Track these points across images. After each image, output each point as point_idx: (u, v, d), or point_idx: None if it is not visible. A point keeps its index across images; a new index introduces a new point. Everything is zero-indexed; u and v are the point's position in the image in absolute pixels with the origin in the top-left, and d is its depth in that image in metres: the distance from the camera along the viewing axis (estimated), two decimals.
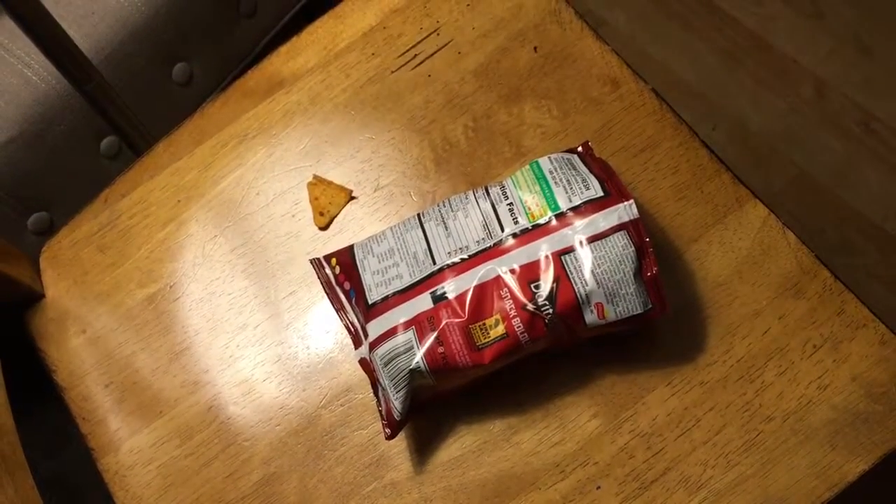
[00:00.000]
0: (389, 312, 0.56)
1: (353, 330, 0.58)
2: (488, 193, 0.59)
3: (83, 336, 0.65)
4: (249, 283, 0.64)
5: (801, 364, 0.57)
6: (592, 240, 0.54)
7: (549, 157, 0.59)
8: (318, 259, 0.61)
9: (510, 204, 0.57)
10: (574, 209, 0.56)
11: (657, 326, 0.59)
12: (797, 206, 1.08)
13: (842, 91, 1.16)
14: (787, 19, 1.22)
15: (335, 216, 0.65)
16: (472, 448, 0.58)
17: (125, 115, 0.85)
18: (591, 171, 0.58)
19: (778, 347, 0.58)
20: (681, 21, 1.24)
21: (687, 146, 0.63)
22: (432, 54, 0.68)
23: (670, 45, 1.23)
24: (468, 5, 0.68)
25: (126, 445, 0.62)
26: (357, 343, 0.58)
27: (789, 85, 1.18)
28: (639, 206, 0.55)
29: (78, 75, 0.79)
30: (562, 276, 0.54)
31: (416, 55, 0.68)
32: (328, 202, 0.65)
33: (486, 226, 0.57)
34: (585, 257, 0.54)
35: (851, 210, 1.11)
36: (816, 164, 1.13)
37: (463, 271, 0.56)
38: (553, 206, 0.56)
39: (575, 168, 0.58)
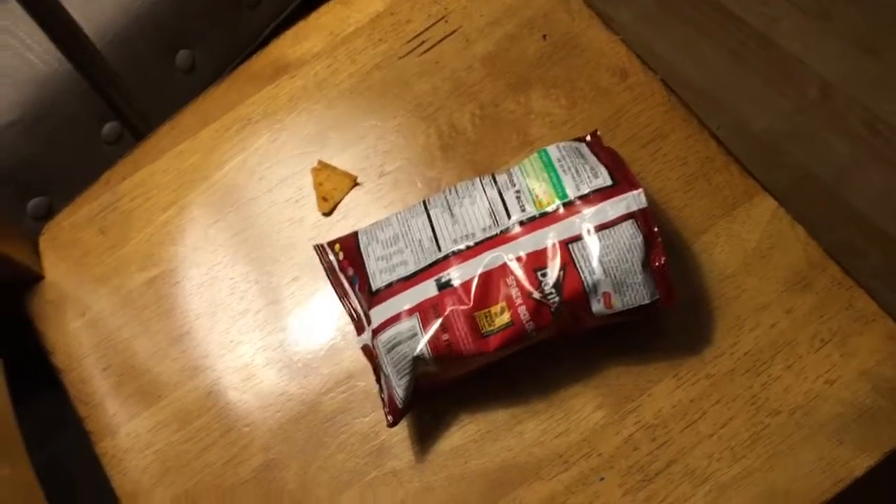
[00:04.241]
0: (393, 299, 0.55)
1: (355, 316, 0.58)
2: (495, 181, 0.58)
3: (82, 319, 0.64)
4: (251, 269, 0.64)
5: (808, 358, 0.56)
6: (600, 228, 0.54)
7: (557, 146, 0.58)
8: (322, 245, 0.60)
9: (517, 191, 0.57)
10: (582, 197, 0.55)
11: (664, 317, 0.58)
12: (802, 206, 1.07)
13: (847, 92, 1.16)
14: (793, 20, 1.22)
15: (339, 202, 0.64)
16: (474, 437, 0.57)
17: (127, 100, 0.84)
18: (599, 160, 0.57)
19: (785, 341, 0.57)
20: (686, 20, 1.24)
21: (696, 138, 0.62)
22: (440, 41, 0.67)
23: (676, 43, 1.23)
24: None
25: (124, 429, 0.61)
26: (360, 330, 0.58)
27: (795, 85, 1.17)
28: (647, 197, 0.55)
29: (81, 58, 0.79)
30: (569, 264, 0.53)
31: (423, 42, 0.67)
32: (332, 188, 0.64)
33: (492, 213, 0.56)
34: (593, 246, 0.53)
35: (855, 211, 1.10)
36: (821, 164, 1.12)
37: (468, 258, 0.55)
38: (561, 194, 0.55)
39: (583, 157, 0.57)
